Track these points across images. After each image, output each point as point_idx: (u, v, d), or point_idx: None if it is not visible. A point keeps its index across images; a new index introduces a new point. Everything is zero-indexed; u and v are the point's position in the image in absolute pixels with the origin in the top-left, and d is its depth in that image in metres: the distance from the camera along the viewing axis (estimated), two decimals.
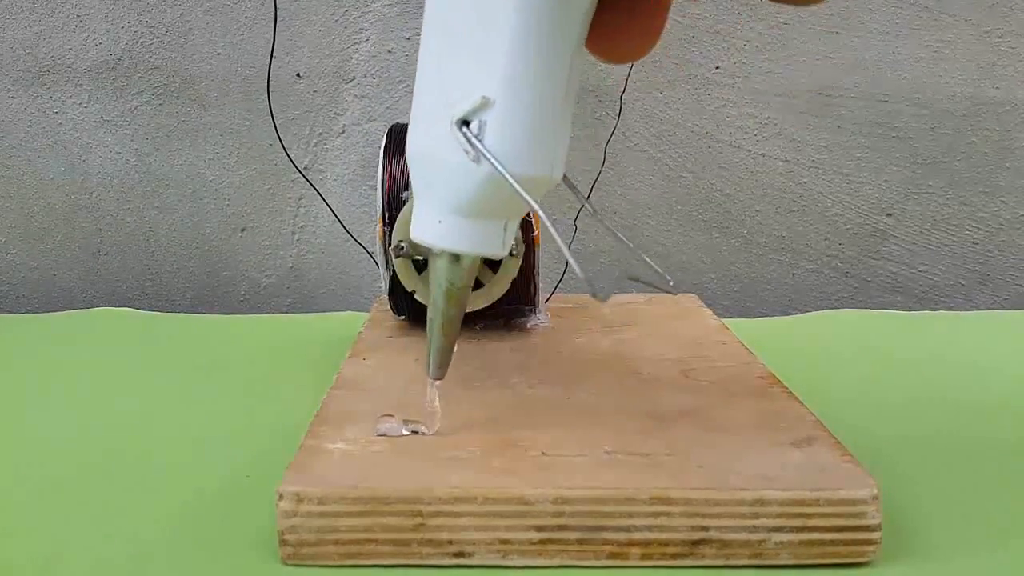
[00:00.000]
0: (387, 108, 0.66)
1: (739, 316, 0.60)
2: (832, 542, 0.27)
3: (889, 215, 0.67)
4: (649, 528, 0.27)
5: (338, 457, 0.29)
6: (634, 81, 0.63)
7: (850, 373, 0.47)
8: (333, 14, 0.64)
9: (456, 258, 0.28)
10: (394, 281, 0.43)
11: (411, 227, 0.28)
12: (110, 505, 0.32)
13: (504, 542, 0.27)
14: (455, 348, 0.30)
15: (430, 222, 0.27)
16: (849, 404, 0.41)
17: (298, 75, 0.65)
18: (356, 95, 0.66)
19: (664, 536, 0.27)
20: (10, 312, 0.67)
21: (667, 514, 0.27)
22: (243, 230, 0.68)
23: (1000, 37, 0.64)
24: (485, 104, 0.24)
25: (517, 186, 0.24)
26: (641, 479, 0.27)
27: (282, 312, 0.68)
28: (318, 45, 0.65)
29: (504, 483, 0.27)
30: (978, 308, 0.67)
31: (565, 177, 0.27)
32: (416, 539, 0.27)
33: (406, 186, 0.42)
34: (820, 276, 0.68)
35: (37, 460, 0.36)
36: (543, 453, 0.29)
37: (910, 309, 0.65)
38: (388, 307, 0.46)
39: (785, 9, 0.63)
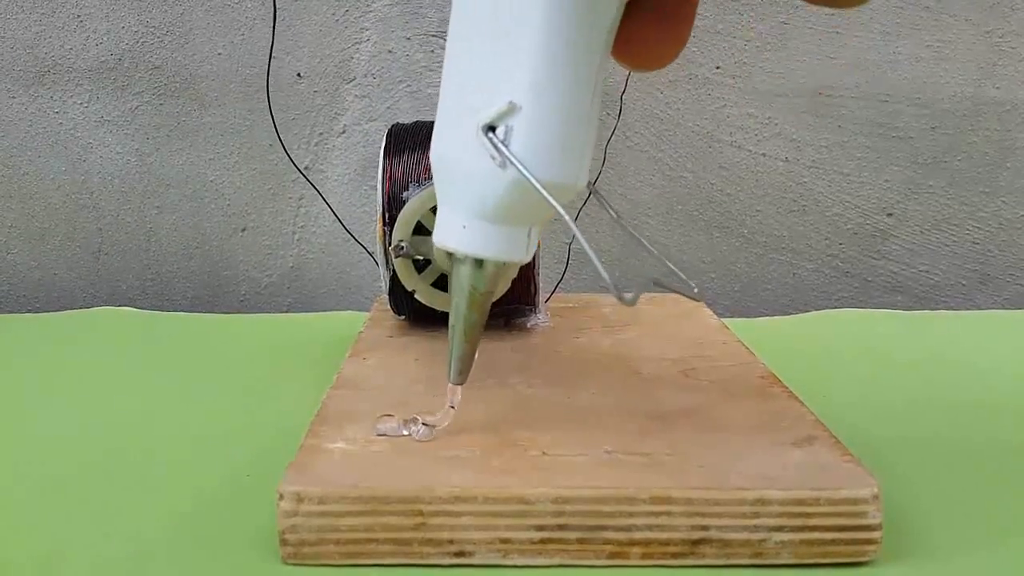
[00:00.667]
0: (387, 108, 0.66)
1: (739, 316, 0.60)
2: (833, 541, 0.27)
3: (890, 215, 0.67)
4: (650, 528, 0.27)
5: (338, 457, 0.29)
6: (634, 81, 0.63)
7: (851, 373, 0.47)
8: (333, 14, 0.64)
9: (479, 263, 0.28)
10: (394, 281, 0.43)
11: (434, 232, 0.28)
12: (111, 504, 0.32)
13: (504, 541, 0.27)
14: (476, 354, 0.30)
15: (454, 227, 0.27)
16: (850, 404, 0.41)
17: (298, 75, 0.65)
18: (356, 95, 0.66)
19: (665, 536, 0.27)
20: (10, 312, 0.67)
21: (668, 514, 0.27)
22: (243, 230, 0.68)
23: (1001, 37, 0.64)
24: (512, 109, 0.24)
25: (544, 192, 0.24)
26: (642, 479, 0.27)
27: (282, 312, 0.68)
28: (318, 45, 0.65)
29: (504, 483, 0.27)
30: (979, 308, 0.67)
31: (590, 184, 0.27)
32: (416, 539, 0.27)
33: (406, 186, 0.42)
34: (821, 276, 0.68)
35: (38, 459, 0.36)
36: (543, 453, 0.29)
37: (911, 309, 0.65)
38: (388, 307, 0.46)
39: (785, 9, 0.63)
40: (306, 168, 0.66)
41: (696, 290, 0.29)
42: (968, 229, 0.66)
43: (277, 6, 0.62)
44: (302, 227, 0.68)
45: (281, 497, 0.27)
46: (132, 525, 0.30)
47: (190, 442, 0.38)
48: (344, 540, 0.27)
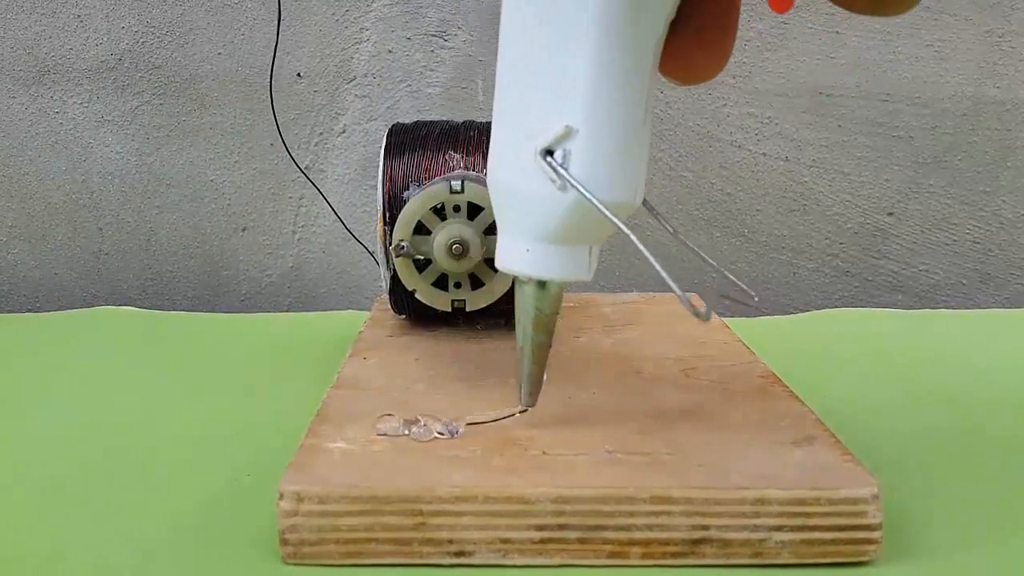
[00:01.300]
0: (388, 108, 0.66)
1: (740, 316, 0.60)
2: (833, 541, 0.27)
3: (890, 214, 0.67)
4: (650, 527, 0.27)
5: (339, 456, 0.29)
6: None
7: (851, 372, 0.47)
8: (333, 14, 0.64)
9: (543, 285, 0.28)
10: (395, 280, 0.43)
11: (496, 257, 0.28)
12: (111, 504, 0.32)
13: (505, 541, 0.27)
14: (545, 375, 0.30)
15: (517, 251, 0.27)
16: (850, 403, 0.41)
17: (298, 75, 0.65)
18: (357, 95, 0.66)
19: (665, 535, 0.27)
20: (10, 312, 0.67)
21: (668, 513, 0.27)
22: (244, 229, 0.68)
23: (1000, 36, 0.64)
24: (569, 133, 0.25)
25: (606, 212, 0.25)
26: (642, 478, 0.27)
27: (282, 312, 0.68)
28: (318, 45, 0.65)
29: (505, 482, 0.27)
30: (979, 307, 0.67)
31: (644, 200, 0.28)
32: (417, 538, 0.27)
33: (406, 186, 0.42)
34: (821, 275, 0.68)
35: (38, 459, 0.36)
36: (543, 452, 0.29)
37: (911, 308, 0.65)
38: (389, 306, 0.46)
39: None
40: (306, 168, 0.66)
41: (756, 299, 0.29)
42: (968, 228, 0.66)
43: (280, 6, 0.62)
44: (302, 227, 0.68)
45: (281, 497, 0.27)
46: (132, 524, 0.30)
47: (190, 442, 0.38)
48: (344, 540, 0.27)
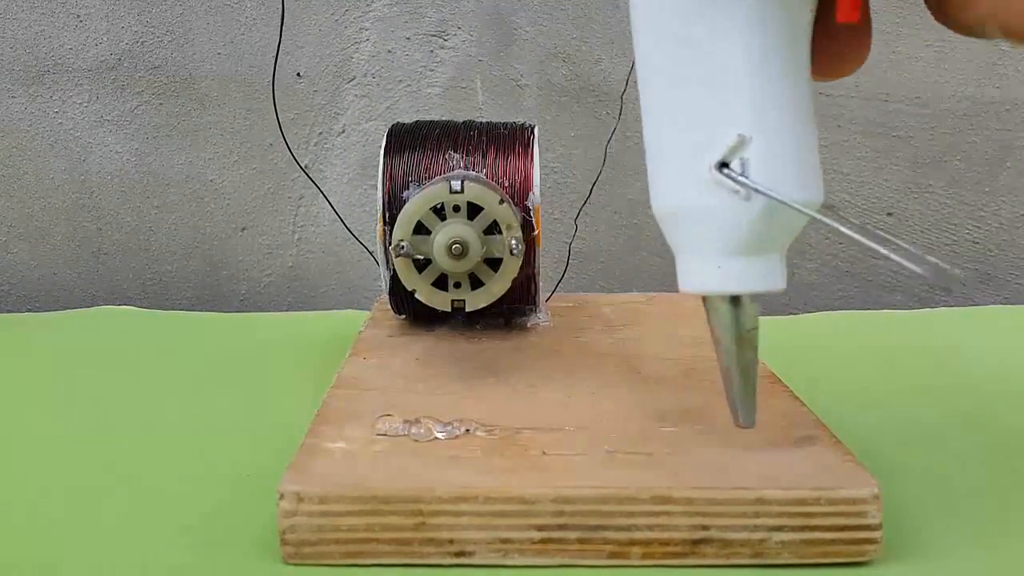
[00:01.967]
0: (387, 108, 0.66)
1: None
2: (833, 541, 0.27)
3: (890, 214, 0.67)
4: (650, 527, 0.27)
5: (339, 456, 0.29)
6: (635, 80, 0.63)
7: (851, 372, 0.47)
8: (333, 14, 0.64)
9: (736, 300, 0.27)
10: (395, 280, 0.43)
11: (683, 282, 0.27)
12: (111, 504, 0.32)
13: (505, 541, 0.27)
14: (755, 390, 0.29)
15: (708, 271, 0.26)
16: (850, 403, 0.41)
17: (298, 75, 0.65)
18: (356, 95, 0.66)
19: (665, 535, 0.27)
20: (10, 311, 0.67)
21: (668, 513, 0.27)
22: (243, 229, 0.68)
23: None
24: (743, 142, 0.24)
25: (805, 209, 0.25)
26: (642, 478, 0.27)
27: (282, 311, 0.68)
28: (318, 45, 0.65)
29: (505, 482, 0.27)
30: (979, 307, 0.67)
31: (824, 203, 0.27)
32: (417, 538, 0.27)
33: (406, 185, 0.42)
34: (821, 275, 0.68)
35: (37, 459, 0.36)
36: (544, 452, 0.29)
37: (911, 308, 0.65)
38: (389, 306, 0.46)
39: None
40: (306, 167, 0.66)
41: (964, 284, 0.29)
42: (968, 228, 0.66)
43: (283, 5, 0.62)
44: (302, 227, 0.68)
45: (281, 497, 0.27)
46: (132, 525, 0.30)
47: (190, 442, 0.38)
48: (344, 540, 0.27)
